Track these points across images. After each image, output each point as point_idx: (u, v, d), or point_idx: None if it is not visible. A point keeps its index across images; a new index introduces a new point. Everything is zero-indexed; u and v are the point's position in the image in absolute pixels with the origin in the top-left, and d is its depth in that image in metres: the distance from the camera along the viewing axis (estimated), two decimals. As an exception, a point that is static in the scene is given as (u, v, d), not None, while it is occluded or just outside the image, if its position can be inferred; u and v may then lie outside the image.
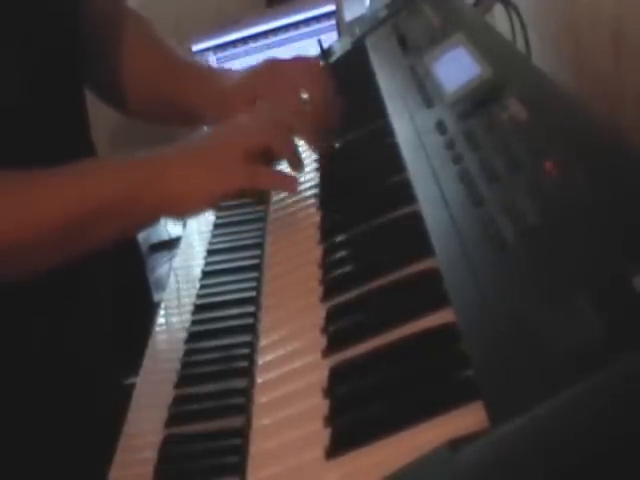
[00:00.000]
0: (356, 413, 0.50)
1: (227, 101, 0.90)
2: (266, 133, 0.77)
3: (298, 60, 0.92)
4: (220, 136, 0.80)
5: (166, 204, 0.75)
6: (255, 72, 0.91)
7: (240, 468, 0.56)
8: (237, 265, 0.84)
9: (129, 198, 0.73)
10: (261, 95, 0.88)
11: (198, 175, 0.75)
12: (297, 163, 0.81)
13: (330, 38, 1.30)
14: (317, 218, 0.76)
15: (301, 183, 0.83)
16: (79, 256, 0.74)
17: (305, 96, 0.88)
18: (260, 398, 0.58)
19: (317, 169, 0.86)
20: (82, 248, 0.75)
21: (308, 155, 0.90)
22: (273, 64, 0.92)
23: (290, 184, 0.79)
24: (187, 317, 0.80)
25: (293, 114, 0.83)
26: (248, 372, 0.66)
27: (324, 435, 0.49)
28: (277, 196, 0.85)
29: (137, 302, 0.95)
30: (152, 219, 0.78)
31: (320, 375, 0.55)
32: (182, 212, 0.78)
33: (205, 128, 1.05)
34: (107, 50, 0.93)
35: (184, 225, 1.12)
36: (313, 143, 0.86)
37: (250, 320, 0.72)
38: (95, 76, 0.92)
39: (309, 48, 1.18)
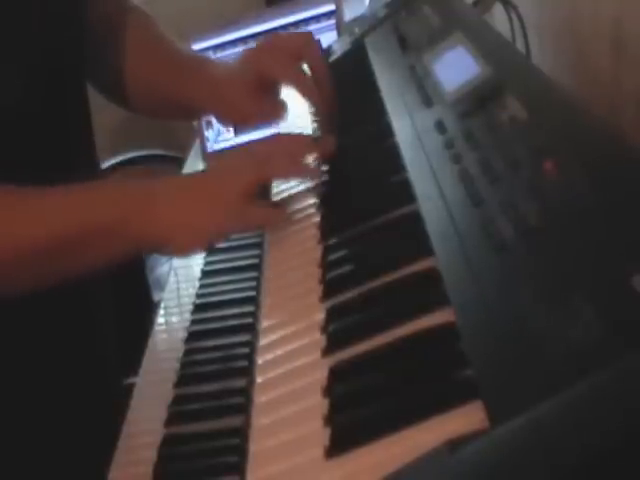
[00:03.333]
0: (355, 413, 0.50)
1: (224, 90, 0.89)
2: (259, 170, 0.74)
3: (293, 33, 0.97)
4: (216, 175, 0.77)
5: (153, 236, 0.72)
6: (252, 50, 0.90)
7: (240, 468, 0.56)
8: (237, 265, 0.84)
9: (115, 225, 0.71)
10: (261, 71, 0.86)
11: (188, 212, 0.72)
12: (310, 175, 0.80)
13: (330, 38, 1.30)
14: (317, 218, 0.76)
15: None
16: (60, 281, 0.72)
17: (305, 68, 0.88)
18: (260, 397, 0.58)
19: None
20: (67, 272, 0.73)
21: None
22: (269, 39, 0.92)
23: (280, 217, 0.78)
24: (187, 316, 0.80)
25: (296, 139, 0.82)
26: (248, 372, 0.66)
27: (324, 434, 0.49)
28: (277, 196, 0.85)
29: (137, 302, 0.95)
30: (138, 249, 0.76)
31: (320, 375, 0.55)
32: (168, 248, 0.75)
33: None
34: (109, 47, 0.93)
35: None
36: (320, 109, 0.87)
37: (250, 320, 0.72)
38: (97, 73, 0.92)
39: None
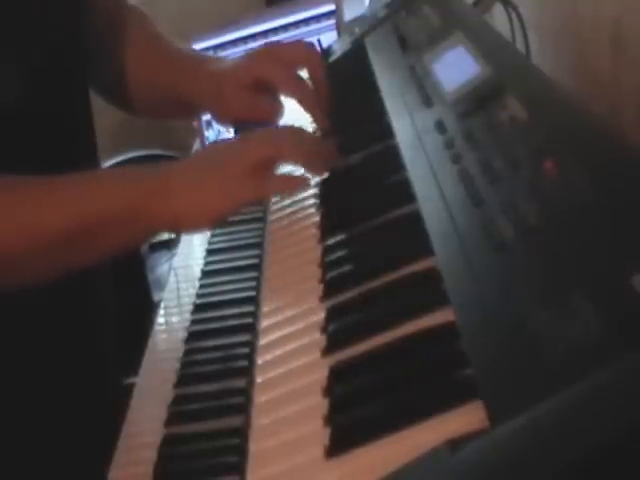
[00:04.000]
0: (355, 412, 0.50)
1: (222, 86, 0.90)
2: (271, 143, 0.76)
3: (295, 42, 0.93)
4: (224, 151, 0.78)
5: (168, 219, 0.73)
6: (252, 55, 0.91)
7: (240, 468, 0.56)
8: (237, 265, 0.84)
9: (130, 211, 0.72)
10: (259, 76, 0.87)
11: (202, 190, 0.74)
12: (314, 165, 0.79)
13: (330, 38, 1.30)
14: (317, 218, 0.76)
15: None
16: (78, 269, 0.73)
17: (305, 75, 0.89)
18: (260, 397, 0.58)
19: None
20: (81, 261, 0.74)
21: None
22: (270, 46, 0.92)
23: (299, 183, 0.79)
24: (187, 316, 0.80)
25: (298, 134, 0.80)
26: (248, 371, 0.66)
27: (324, 434, 0.49)
28: (277, 196, 0.85)
29: (137, 301, 0.95)
30: (153, 233, 0.77)
31: (320, 374, 0.55)
32: (185, 228, 0.77)
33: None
34: (108, 44, 0.93)
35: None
36: (319, 119, 0.87)
37: (249, 320, 0.72)
38: (98, 72, 0.92)
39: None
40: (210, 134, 1.38)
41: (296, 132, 0.80)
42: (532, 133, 0.58)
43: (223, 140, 0.86)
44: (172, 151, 1.89)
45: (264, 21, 1.39)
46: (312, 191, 0.81)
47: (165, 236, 1.43)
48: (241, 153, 0.75)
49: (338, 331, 0.58)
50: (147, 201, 0.72)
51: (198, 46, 1.41)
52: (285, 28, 1.38)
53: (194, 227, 0.77)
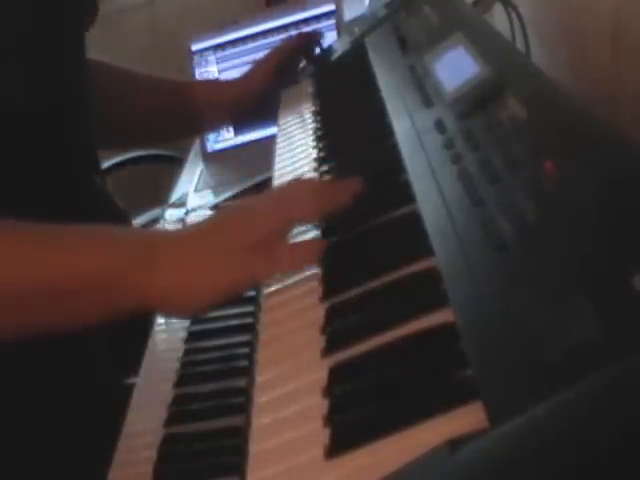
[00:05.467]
0: (355, 413, 0.49)
1: (218, 84, 0.93)
2: (281, 212, 0.66)
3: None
4: (226, 222, 0.68)
5: (151, 297, 0.63)
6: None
7: (240, 468, 0.56)
8: (237, 265, 0.84)
9: (106, 281, 0.63)
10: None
11: (194, 267, 0.63)
12: (330, 218, 0.69)
13: (330, 38, 1.30)
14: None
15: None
16: (46, 334, 0.65)
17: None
18: (260, 397, 0.58)
19: (316, 169, 0.86)
20: (47, 325, 0.65)
21: (307, 155, 0.90)
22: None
23: (314, 257, 0.65)
24: (187, 317, 0.80)
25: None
26: (248, 371, 0.66)
27: (324, 435, 0.49)
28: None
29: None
30: (134, 309, 0.65)
31: (320, 375, 0.55)
32: (169, 310, 0.67)
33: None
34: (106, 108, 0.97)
35: (184, 225, 1.12)
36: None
37: (249, 319, 0.72)
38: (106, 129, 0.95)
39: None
40: (210, 135, 1.38)
41: (307, 192, 0.69)
42: (532, 133, 0.58)
43: (226, 208, 0.78)
44: (172, 151, 1.89)
45: (264, 21, 1.39)
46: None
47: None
48: (245, 226, 0.65)
49: (338, 331, 0.58)
50: (128, 273, 0.63)
51: (198, 46, 1.41)
52: (285, 28, 1.38)
53: (180, 311, 0.67)
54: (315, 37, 1.21)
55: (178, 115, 1.14)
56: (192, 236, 0.68)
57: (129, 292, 0.63)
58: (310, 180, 0.76)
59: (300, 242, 0.69)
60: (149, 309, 0.67)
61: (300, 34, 1.23)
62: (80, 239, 0.66)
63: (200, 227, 0.70)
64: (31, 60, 0.76)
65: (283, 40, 1.25)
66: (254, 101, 1.13)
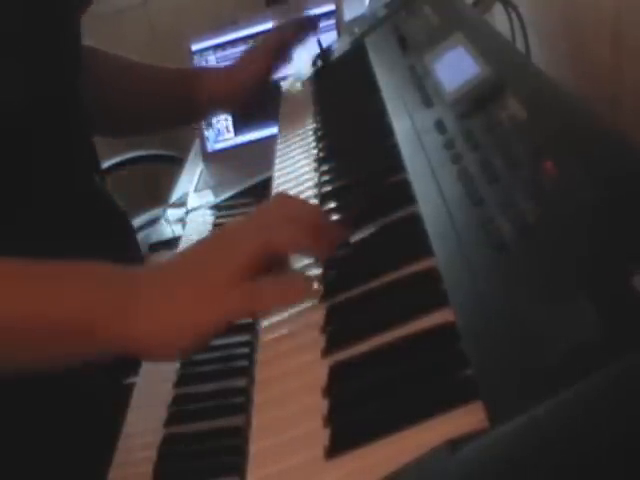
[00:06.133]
0: (355, 412, 0.49)
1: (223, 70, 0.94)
2: (265, 236, 0.60)
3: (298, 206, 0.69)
4: (207, 251, 0.63)
5: (128, 338, 0.59)
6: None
7: (240, 468, 0.56)
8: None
9: (82, 322, 0.59)
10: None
11: (175, 304, 0.59)
12: (321, 252, 0.64)
13: (330, 38, 1.30)
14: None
15: (302, 190, 0.83)
16: (17, 373, 0.63)
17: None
18: (260, 397, 0.58)
19: (316, 169, 0.86)
20: (17, 365, 0.62)
21: (307, 155, 0.90)
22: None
23: (302, 294, 0.61)
24: (187, 317, 0.80)
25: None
26: (248, 371, 0.66)
27: (324, 434, 0.49)
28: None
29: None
30: (109, 352, 0.62)
31: (319, 374, 0.55)
32: (149, 353, 0.62)
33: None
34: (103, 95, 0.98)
35: (184, 225, 1.12)
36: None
37: (249, 319, 0.72)
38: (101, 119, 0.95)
39: (309, 47, 1.19)
40: (210, 134, 1.38)
41: (296, 214, 0.63)
42: (532, 133, 0.58)
43: (207, 237, 0.70)
44: (172, 151, 1.89)
45: (264, 21, 1.39)
46: (312, 191, 0.81)
47: (165, 236, 1.43)
48: (227, 253, 0.61)
49: (338, 331, 0.58)
50: (105, 313, 0.59)
51: (198, 46, 1.41)
52: (285, 28, 1.38)
53: (162, 355, 0.62)
54: (310, 22, 1.20)
55: (176, 101, 1.13)
56: (173, 268, 0.63)
57: (103, 337, 0.60)
58: (296, 204, 0.67)
59: (288, 277, 0.63)
60: (128, 354, 0.61)
61: (293, 21, 1.20)
62: (54, 279, 0.62)
63: (178, 262, 0.65)
64: (29, 57, 0.76)
65: (276, 27, 1.23)
66: (250, 88, 1.12)
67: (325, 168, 0.84)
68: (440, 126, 0.69)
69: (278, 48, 1.14)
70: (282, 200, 0.68)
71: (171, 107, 1.14)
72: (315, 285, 0.61)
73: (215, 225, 1.06)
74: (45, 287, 0.61)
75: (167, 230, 1.19)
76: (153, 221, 1.45)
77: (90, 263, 0.63)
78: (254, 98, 1.14)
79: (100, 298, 0.60)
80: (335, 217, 0.71)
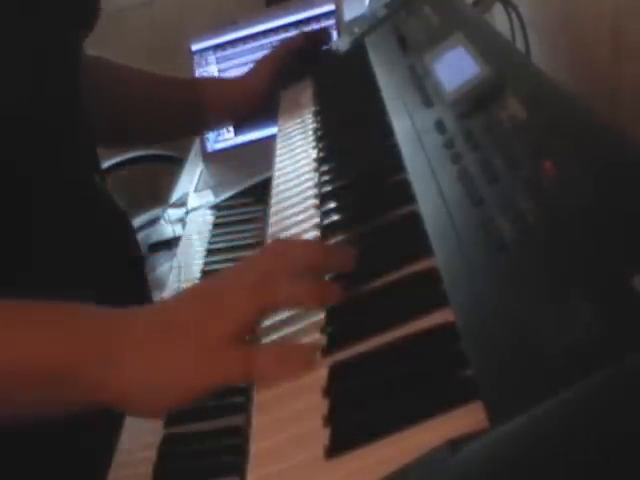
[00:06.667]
0: (355, 412, 0.50)
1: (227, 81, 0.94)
2: (263, 292, 0.56)
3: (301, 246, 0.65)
4: (197, 308, 0.58)
5: (109, 391, 0.56)
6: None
7: (240, 467, 0.56)
8: (237, 265, 0.84)
9: (60, 371, 0.56)
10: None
11: (158, 364, 0.55)
12: (328, 299, 0.58)
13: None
14: (317, 218, 0.76)
15: (302, 189, 0.83)
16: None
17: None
18: (260, 397, 0.58)
19: (316, 169, 0.86)
20: None
21: (307, 155, 0.90)
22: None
23: (302, 365, 0.55)
24: (187, 317, 0.80)
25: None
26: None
27: (324, 434, 0.49)
28: (277, 197, 0.85)
29: (137, 302, 0.95)
30: (89, 405, 0.58)
31: (319, 374, 0.55)
32: (132, 409, 0.58)
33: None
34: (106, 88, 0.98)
35: (184, 225, 1.12)
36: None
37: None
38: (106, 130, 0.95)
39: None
40: (210, 134, 1.38)
41: (295, 264, 0.59)
42: (532, 133, 0.58)
43: (200, 286, 0.65)
44: (172, 151, 1.89)
45: (264, 21, 1.39)
46: (312, 191, 0.81)
47: (165, 236, 1.44)
48: (224, 310, 0.56)
49: (338, 331, 0.58)
50: (85, 360, 0.56)
51: (198, 46, 1.41)
52: (285, 28, 1.38)
53: (142, 412, 0.58)
54: (321, 36, 1.20)
55: (180, 113, 1.14)
56: (159, 321, 0.59)
57: (82, 388, 0.56)
58: (294, 252, 0.61)
59: (291, 347, 0.57)
60: (108, 407, 0.57)
61: (304, 33, 1.21)
62: (32, 323, 0.59)
63: (167, 310, 0.60)
64: (31, 59, 0.76)
65: (285, 39, 1.24)
66: (255, 101, 1.13)
67: (325, 168, 0.84)
68: (440, 126, 0.69)
69: (281, 63, 1.14)
70: (280, 248, 0.62)
71: (178, 117, 1.15)
72: (318, 355, 0.55)
73: (215, 225, 1.06)
74: (24, 332, 0.58)
75: (167, 230, 1.19)
76: (153, 221, 1.45)
77: (75, 307, 0.59)
78: (255, 112, 1.14)
79: (80, 346, 0.56)
80: (338, 241, 0.67)
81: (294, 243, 0.65)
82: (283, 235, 0.77)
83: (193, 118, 1.16)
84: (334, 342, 0.57)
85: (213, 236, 0.95)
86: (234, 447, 0.60)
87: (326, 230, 0.73)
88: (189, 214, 1.16)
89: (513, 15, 1.15)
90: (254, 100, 1.13)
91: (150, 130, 1.16)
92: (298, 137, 0.96)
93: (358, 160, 0.83)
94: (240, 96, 1.14)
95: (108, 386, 0.55)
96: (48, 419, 0.61)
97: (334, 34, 1.33)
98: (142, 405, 0.56)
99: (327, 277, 0.62)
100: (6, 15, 0.74)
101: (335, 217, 0.75)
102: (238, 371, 0.55)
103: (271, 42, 1.36)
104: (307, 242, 0.67)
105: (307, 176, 0.86)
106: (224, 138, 1.39)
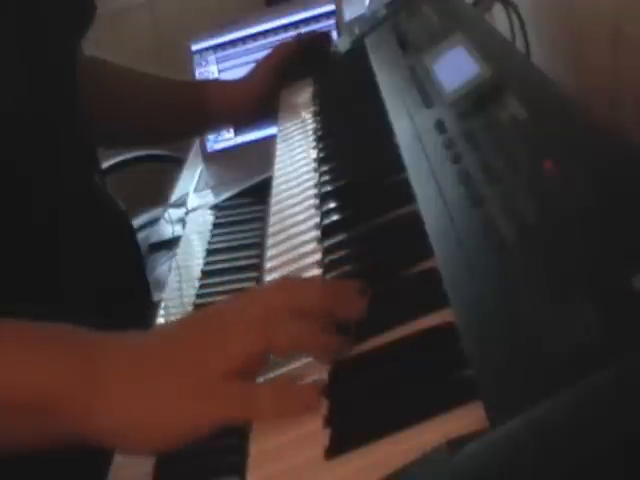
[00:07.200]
0: (355, 412, 0.50)
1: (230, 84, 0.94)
2: (266, 330, 0.52)
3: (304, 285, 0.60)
4: (194, 344, 0.53)
5: (94, 427, 0.51)
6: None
7: (240, 468, 0.56)
8: (237, 265, 0.84)
9: (40, 403, 0.52)
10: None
11: (149, 401, 0.51)
12: (325, 352, 0.53)
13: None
14: (317, 218, 0.76)
15: (302, 189, 0.83)
16: None
17: None
18: (260, 398, 0.58)
19: (316, 169, 0.86)
20: None
21: (307, 155, 0.90)
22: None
23: (306, 407, 0.50)
24: (187, 317, 0.80)
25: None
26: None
27: (324, 435, 0.49)
28: (277, 197, 0.85)
29: (137, 302, 0.95)
30: (73, 440, 0.54)
31: (319, 375, 0.55)
32: (122, 447, 0.54)
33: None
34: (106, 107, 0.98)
35: (184, 225, 1.12)
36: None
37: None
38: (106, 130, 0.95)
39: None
40: (210, 135, 1.38)
41: (301, 306, 0.54)
42: (532, 133, 0.58)
43: (199, 317, 0.59)
44: (172, 151, 1.89)
45: (264, 21, 1.39)
46: (312, 191, 0.81)
47: (165, 236, 1.44)
48: (225, 346, 0.52)
49: (338, 331, 0.58)
50: (68, 392, 0.52)
51: (198, 46, 1.41)
52: (285, 28, 1.38)
53: (131, 449, 0.54)
54: (322, 37, 1.20)
55: (182, 115, 1.14)
56: (153, 354, 0.54)
57: (64, 422, 0.52)
58: (301, 293, 0.56)
59: (294, 389, 0.53)
60: (94, 443, 0.53)
61: (304, 34, 1.21)
62: (14, 347, 0.55)
63: (162, 343, 0.55)
64: (32, 60, 0.76)
65: (285, 39, 1.24)
66: (255, 102, 1.13)
67: (325, 168, 0.84)
68: (440, 126, 0.69)
69: (281, 65, 1.14)
70: (285, 286, 0.57)
71: (179, 119, 1.15)
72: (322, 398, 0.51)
73: (215, 225, 1.06)
74: (6, 355, 0.54)
75: (167, 230, 1.19)
76: (153, 221, 1.45)
77: (61, 330, 0.56)
78: (255, 114, 1.14)
79: (63, 376, 0.52)
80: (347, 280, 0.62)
81: (302, 282, 0.61)
82: (282, 236, 0.77)
83: (194, 120, 1.16)
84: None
85: (213, 236, 0.95)
86: (234, 447, 0.60)
87: (326, 230, 0.73)
88: (189, 214, 1.16)
89: (513, 15, 1.15)
90: (255, 102, 1.13)
91: (151, 132, 1.16)
92: (298, 137, 0.96)
93: (358, 160, 0.83)
94: (241, 98, 1.14)
95: (90, 422, 0.51)
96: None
97: (334, 34, 1.33)
98: (132, 444, 0.52)
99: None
100: (2, 16, 0.74)
101: (335, 217, 0.75)
102: (240, 412, 0.51)
103: (271, 42, 1.36)
104: (316, 283, 0.61)
105: (307, 176, 0.86)
106: (224, 138, 1.38)
